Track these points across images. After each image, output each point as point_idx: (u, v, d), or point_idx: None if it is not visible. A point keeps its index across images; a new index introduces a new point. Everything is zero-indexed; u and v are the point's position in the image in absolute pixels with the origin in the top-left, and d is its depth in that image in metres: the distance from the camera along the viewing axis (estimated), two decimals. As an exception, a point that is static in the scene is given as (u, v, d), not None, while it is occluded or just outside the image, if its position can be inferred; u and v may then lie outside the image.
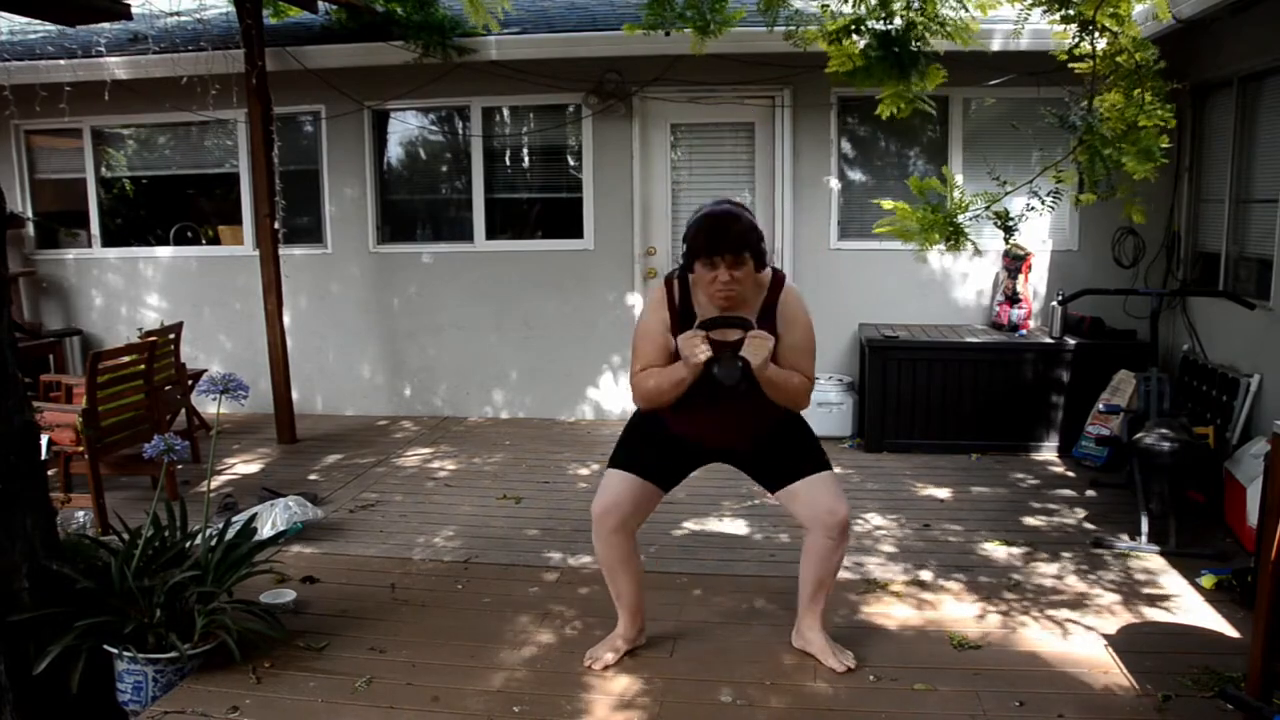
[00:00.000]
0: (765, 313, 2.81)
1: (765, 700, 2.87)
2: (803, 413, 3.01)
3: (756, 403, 2.79)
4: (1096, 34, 3.65)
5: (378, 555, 4.14)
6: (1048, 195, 3.86)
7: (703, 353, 2.66)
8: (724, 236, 2.66)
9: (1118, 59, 3.73)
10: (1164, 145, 3.78)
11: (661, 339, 2.83)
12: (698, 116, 6.46)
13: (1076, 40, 3.77)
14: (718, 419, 2.86)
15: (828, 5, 4.47)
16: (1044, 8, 3.79)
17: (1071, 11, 3.69)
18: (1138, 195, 4.06)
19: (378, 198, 6.83)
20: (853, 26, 4.25)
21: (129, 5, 4.87)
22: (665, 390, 2.79)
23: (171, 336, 5.66)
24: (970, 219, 3.89)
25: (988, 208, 3.91)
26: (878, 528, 4.41)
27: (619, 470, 2.98)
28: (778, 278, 2.88)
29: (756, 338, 2.68)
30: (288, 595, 3.56)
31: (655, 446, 2.98)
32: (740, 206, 2.78)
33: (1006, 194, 3.95)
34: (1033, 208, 3.79)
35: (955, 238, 3.79)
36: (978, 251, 4.07)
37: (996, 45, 5.45)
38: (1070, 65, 3.88)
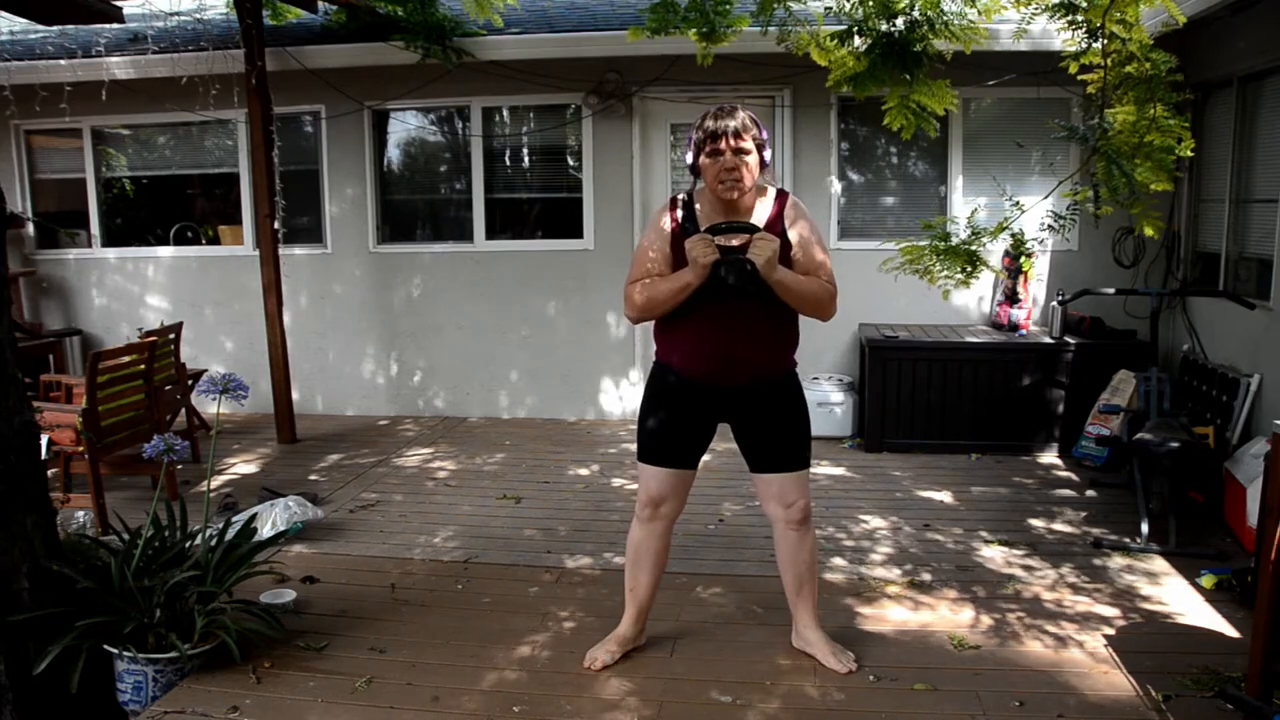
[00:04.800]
0: (771, 224, 2.87)
1: (765, 701, 2.87)
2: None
3: (761, 321, 2.83)
4: (1105, 40, 3.60)
5: (378, 555, 4.14)
6: (1067, 210, 3.81)
7: (711, 254, 2.70)
8: (728, 117, 2.77)
9: (1127, 68, 3.67)
10: (1185, 155, 3.72)
11: (661, 253, 2.87)
12: (698, 116, 6.44)
13: (1085, 46, 3.72)
14: (723, 339, 2.83)
15: (830, 7, 4.45)
16: (1050, 14, 3.74)
17: (1079, 18, 3.64)
18: (1155, 208, 3.99)
19: (378, 198, 6.84)
20: (855, 28, 4.22)
21: (120, 8, 4.87)
22: (664, 298, 2.82)
23: (171, 336, 5.66)
24: (987, 242, 3.84)
25: (1003, 229, 3.87)
26: (877, 528, 4.41)
27: (651, 466, 3.00)
28: (781, 193, 2.95)
29: (762, 239, 2.73)
30: (288, 595, 3.56)
31: (670, 421, 2.97)
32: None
33: (1022, 213, 3.92)
34: (1051, 226, 3.74)
35: (972, 265, 3.74)
36: (991, 269, 4.02)
37: (998, 46, 5.44)
38: (1080, 78, 3.84)
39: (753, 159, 2.79)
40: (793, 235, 2.87)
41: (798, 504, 2.97)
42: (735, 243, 2.76)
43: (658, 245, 2.89)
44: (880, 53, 4.14)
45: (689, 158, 2.88)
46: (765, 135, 2.85)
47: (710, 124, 2.79)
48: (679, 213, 2.90)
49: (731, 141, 2.76)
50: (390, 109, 6.73)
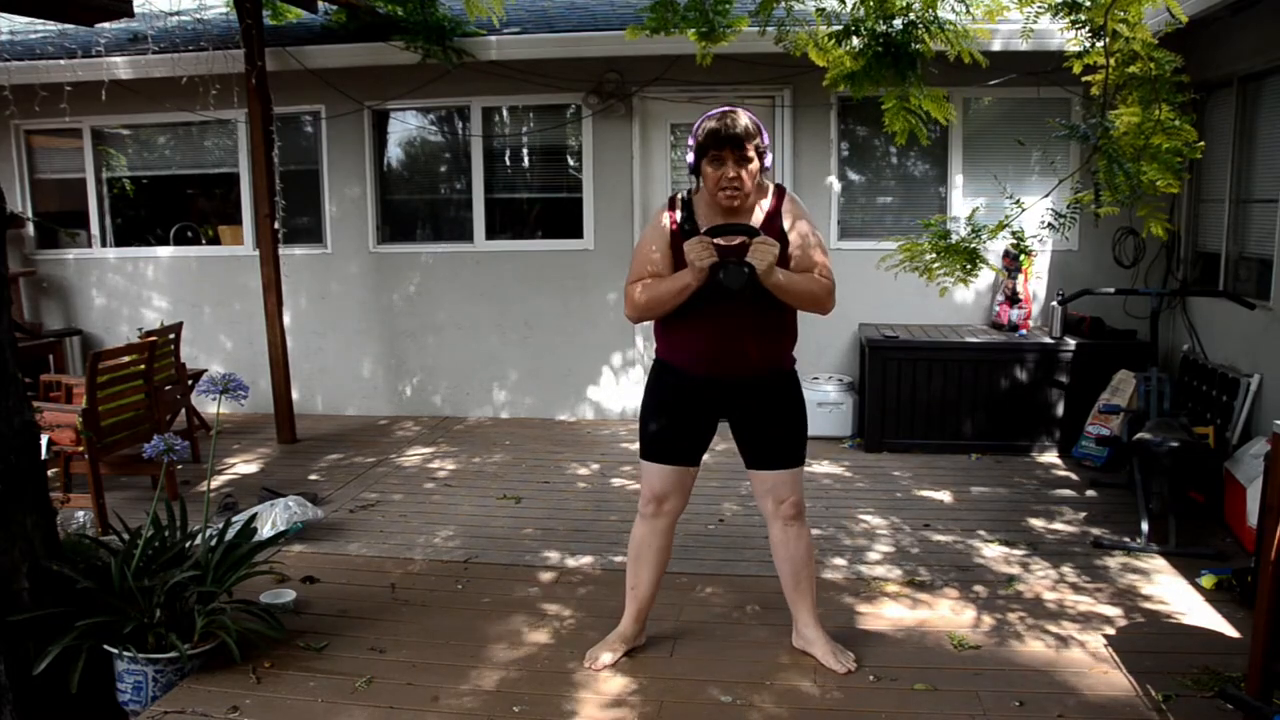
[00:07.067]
0: (769, 221, 2.88)
1: (764, 701, 2.87)
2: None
3: (760, 319, 2.84)
4: (1107, 40, 3.59)
5: (378, 555, 4.14)
6: (1067, 208, 3.80)
7: (709, 257, 2.70)
8: (729, 129, 2.73)
9: (1130, 69, 3.66)
10: (1195, 157, 3.72)
11: (661, 253, 2.88)
12: (698, 116, 6.44)
13: (1088, 47, 3.71)
14: (723, 337, 2.85)
15: (823, 9, 4.46)
16: (1052, 13, 3.74)
17: (1081, 17, 3.63)
18: (1157, 208, 3.97)
19: (378, 198, 6.84)
20: (852, 28, 4.23)
21: (130, 2, 4.87)
22: (664, 299, 2.83)
23: (171, 336, 5.66)
24: (987, 240, 3.83)
25: (1003, 227, 3.86)
26: (877, 528, 4.41)
27: (653, 463, 3.01)
28: (779, 189, 2.95)
29: (763, 243, 2.72)
30: (288, 595, 3.56)
31: (672, 419, 2.97)
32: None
33: (1022, 211, 3.91)
34: (1051, 225, 3.74)
35: (972, 264, 3.73)
36: (991, 267, 4.01)
37: (997, 46, 5.45)
38: (1084, 79, 3.84)
39: (754, 165, 2.79)
40: (791, 235, 2.87)
41: (790, 500, 2.99)
42: (734, 243, 2.76)
43: (658, 245, 2.89)
44: (876, 52, 4.15)
45: (690, 158, 2.87)
46: (767, 140, 2.85)
47: (713, 128, 2.77)
48: (678, 213, 2.90)
49: (734, 151, 2.75)
50: (390, 109, 6.73)
